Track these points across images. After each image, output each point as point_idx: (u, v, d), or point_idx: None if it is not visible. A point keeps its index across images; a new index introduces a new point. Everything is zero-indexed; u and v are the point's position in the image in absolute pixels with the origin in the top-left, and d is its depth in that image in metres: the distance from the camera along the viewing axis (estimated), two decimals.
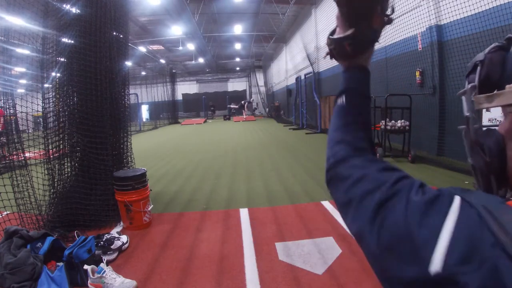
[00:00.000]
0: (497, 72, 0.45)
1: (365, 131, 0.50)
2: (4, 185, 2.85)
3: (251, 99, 25.41)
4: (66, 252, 2.11)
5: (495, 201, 0.33)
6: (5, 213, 2.87)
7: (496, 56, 0.46)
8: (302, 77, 12.93)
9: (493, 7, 4.22)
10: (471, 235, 0.29)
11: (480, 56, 0.47)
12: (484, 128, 0.50)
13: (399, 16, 6.61)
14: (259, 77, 27.95)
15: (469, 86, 0.48)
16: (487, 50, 0.47)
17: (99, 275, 2.03)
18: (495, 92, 0.44)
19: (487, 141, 0.48)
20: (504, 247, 0.27)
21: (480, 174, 0.49)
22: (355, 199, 0.40)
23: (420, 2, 5.94)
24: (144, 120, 22.00)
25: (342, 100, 0.54)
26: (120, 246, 2.55)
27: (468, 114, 0.48)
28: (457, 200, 0.32)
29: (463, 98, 0.49)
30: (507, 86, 0.42)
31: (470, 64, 0.48)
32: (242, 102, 22.77)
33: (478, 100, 0.46)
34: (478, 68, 0.47)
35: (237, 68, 29.62)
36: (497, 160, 0.46)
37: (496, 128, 0.47)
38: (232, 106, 23.83)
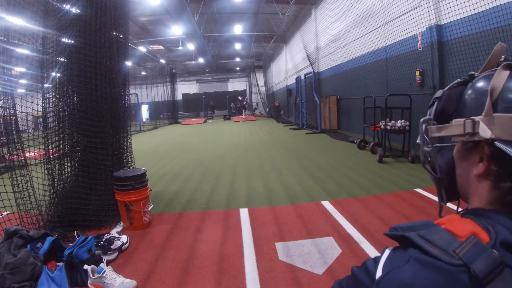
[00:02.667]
0: (452, 106, 0.53)
1: None
2: (4, 185, 2.85)
3: (246, 97, 25.32)
4: (66, 252, 2.11)
5: (427, 226, 0.44)
6: (5, 213, 2.87)
7: (455, 91, 0.53)
8: (302, 77, 12.93)
9: (493, 7, 4.22)
10: (396, 258, 0.43)
11: (439, 93, 0.55)
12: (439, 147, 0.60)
13: (399, 16, 6.61)
14: (259, 77, 27.96)
15: (422, 119, 0.58)
16: (448, 86, 0.55)
17: (99, 275, 2.04)
18: (443, 125, 0.54)
19: (439, 160, 0.58)
20: (433, 255, 0.39)
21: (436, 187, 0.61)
22: None
23: (420, 2, 5.94)
24: (144, 120, 22.00)
25: None
26: (120, 246, 2.56)
27: (418, 141, 0.60)
28: (386, 251, 0.46)
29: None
30: (454, 120, 0.52)
31: (432, 99, 0.57)
32: (239, 98, 22.74)
33: (431, 129, 0.56)
34: (435, 103, 0.56)
35: (237, 68, 29.62)
36: (446, 177, 0.57)
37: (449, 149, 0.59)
38: (232, 106, 23.84)
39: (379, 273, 0.43)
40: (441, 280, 0.37)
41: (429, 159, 0.59)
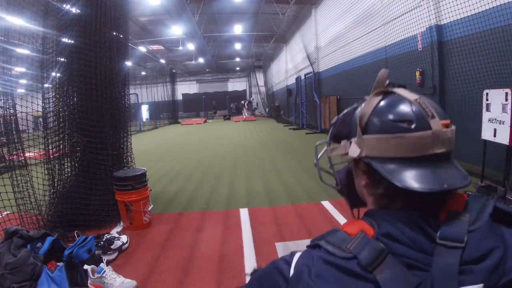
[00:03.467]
0: (345, 130, 0.60)
1: None
2: (4, 185, 2.85)
3: (251, 98, 25.35)
4: (66, 252, 2.11)
5: (332, 232, 0.53)
6: (5, 213, 2.87)
7: (348, 117, 0.61)
8: (302, 77, 12.93)
9: (493, 7, 4.22)
10: (306, 257, 0.51)
11: (334, 119, 0.64)
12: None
13: (399, 16, 6.61)
14: (259, 77, 27.94)
15: (317, 143, 0.70)
16: (344, 112, 0.63)
17: (99, 275, 2.03)
18: (334, 146, 0.63)
19: (339, 174, 0.70)
20: (329, 252, 0.48)
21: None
22: None
23: (420, 2, 5.94)
24: (144, 120, 21.99)
25: None
26: (120, 246, 2.55)
27: (314, 161, 0.72)
28: (297, 253, 0.54)
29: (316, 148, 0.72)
30: (342, 141, 0.60)
31: (330, 124, 0.66)
32: (242, 101, 22.75)
33: (328, 150, 0.65)
34: (331, 128, 0.64)
35: (237, 68, 29.61)
36: (345, 188, 0.68)
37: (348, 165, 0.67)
38: (233, 105, 23.82)
39: (291, 271, 0.51)
40: (338, 273, 0.46)
41: (331, 173, 0.71)
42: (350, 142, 0.56)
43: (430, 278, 0.43)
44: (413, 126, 0.49)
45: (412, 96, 0.53)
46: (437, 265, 0.44)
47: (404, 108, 0.51)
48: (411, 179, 0.48)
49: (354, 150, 0.55)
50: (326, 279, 0.46)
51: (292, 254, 0.54)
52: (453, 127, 0.52)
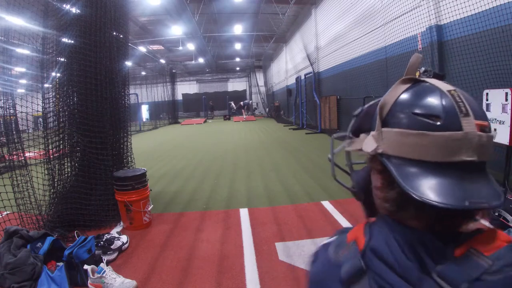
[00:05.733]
0: (369, 122, 0.52)
1: None
2: (4, 185, 2.85)
3: (250, 100, 25.32)
4: (66, 252, 2.11)
5: (341, 233, 0.52)
6: (5, 213, 2.87)
7: (373, 107, 0.52)
8: (302, 77, 12.93)
9: (493, 7, 4.22)
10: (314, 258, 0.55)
11: (358, 110, 0.56)
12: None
13: (399, 16, 6.61)
14: (259, 77, 27.93)
15: (334, 135, 0.62)
16: (368, 104, 0.55)
17: (99, 275, 2.03)
18: (352, 139, 0.54)
19: (355, 176, 0.59)
20: (328, 253, 0.50)
21: None
22: None
23: (420, 2, 5.94)
24: (144, 120, 21.98)
25: None
26: (120, 246, 2.55)
27: (329, 156, 0.63)
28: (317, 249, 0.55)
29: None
30: (361, 134, 0.52)
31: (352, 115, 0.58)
32: (241, 103, 22.75)
33: (346, 144, 0.56)
34: (353, 120, 0.56)
35: (237, 68, 29.60)
36: (362, 192, 0.57)
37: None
38: (232, 105, 23.79)
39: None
40: (331, 274, 0.47)
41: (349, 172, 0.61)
42: (367, 135, 0.49)
43: None
44: (439, 123, 0.41)
45: (445, 86, 0.45)
46: None
47: (432, 100, 0.43)
48: (428, 188, 0.40)
49: (369, 144, 0.47)
50: (314, 279, 0.50)
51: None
52: (493, 133, 0.44)
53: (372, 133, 0.48)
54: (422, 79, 0.47)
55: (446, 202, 0.39)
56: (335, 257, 0.47)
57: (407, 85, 0.47)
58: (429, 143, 0.41)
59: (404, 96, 0.45)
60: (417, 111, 0.43)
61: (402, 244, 0.43)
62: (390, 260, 0.42)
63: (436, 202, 0.39)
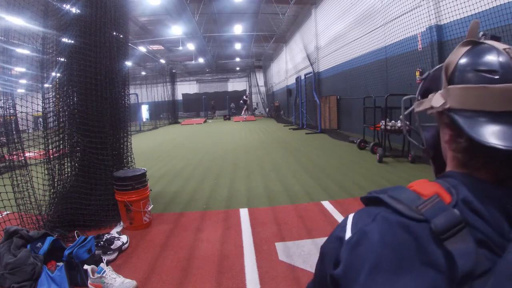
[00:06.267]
0: (435, 84, 0.56)
1: None
2: (4, 185, 2.85)
3: (247, 93, 25.12)
4: (66, 252, 2.11)
5: (398, 189, 0.48)
6: (5, 213, 2.87)
7: (438, 71, 0.56)
8: (302, 77, 12.93)
9: (493, 7, 4.22)
10: (363, 215, 0.47)
11: (425, 74, 0.60)
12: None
13: (399, 16, 6.61)
14: (259, 77, 27.94)
15: (404, 97, 0.67)
16: (433, 68, 0.59)
17: (99, 275, 2.03)
18: (420, 100, 0.59)
19: (425, 134, 0.65)
20: (397, 209, 0.43)
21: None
22: None
23: (420, 2, 5.94)
24: (144, 120, 21.99)
25: None
26: (120, 246, 2.55)
27: (401, 116, 0.69)
28: (351, 214, 0.49)
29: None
30: (429, 95, 0.55)
31: (421, 79, 0.62)
32: (241, 101, 22.76)
33: (415, 105, 0.61)
34: (421, 83, 0.60)
35: (237, 68, 29.61)
36: (431, 149, 0.62)
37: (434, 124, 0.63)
38: (232, 106, 23.81)
39: (348, 234, 0.45)
40: (404, 235, 0.40)
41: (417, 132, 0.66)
42: (435, 94, 0.53)
43: (497, 268, 0.37)
44: (497, 77, 0.46)
45: (501, 45, 0.49)
46: (508, 257, 0.38)
47: (490, 57, 0.48)
48: (491, 134, 0.44)
49: (438, 100, 0.51)
50: (390, 243, 0.40)
51: (346, 217, 0.49)
52: None
53: (440, 91, 0.52)
54: (480, 41, 0.51)
55: (509, 145, 0.42)
56: (413, 214, 0.42)
57: (468, 47, 0.51)
58: (489, 95, 0.46)
59: (466, 56, 0.50)
60: (478, 68, 0.47)
61: (487, 198, 0.44)
62: (483, 212, 0.42)
63: (500, 145, 0.43)
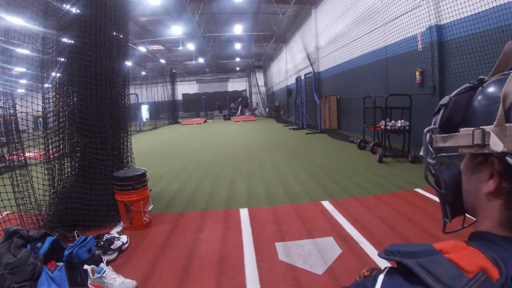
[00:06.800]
0: (460, 114, 0.48)
1: None
2: (4, 185, 2.85)
3: (243, 93, 25.10)
4: (66, 252, 2.11)
5: (429, 254, 0.39)
6: (5, 213, 2.87)
7: (463, 97, 0.48)
8: (302, 77, 12.93)
9: (493, 7, 4.22)
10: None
11: (445, 99, 0.51)
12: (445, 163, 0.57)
13: (399, 16, 6.61)
14: (259, 77, 27.94)
15: (426, 129, 0.53)
16: (455, 92, 0.50)
17: (99, 275, 2.04)
18: (449, 134, 0.49)
19: (444, 175, 0.54)
20: None
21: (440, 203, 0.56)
22: None
23: (420, 2, 5.94)
24: (144, 120, 21.98)
25: None
26: (120, 246, 2.55)
27: (421, 153, 0.55)
28: (382, 273, 0.42)
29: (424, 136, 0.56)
30: (461, 129, 0.47)
31: (438, 106, 0.52)
32: (239, 100, 22.77)
33: (436, 139, 0.52)
34: (441, 111, 0.51)
35: (237, 68, 29.61)
36: (451, 192, 0.52)
37: (456, 163, 0.54)
38: (232, 106, 23.82)
39: None
40: None
41: (433, 172, 0.55)
42: (482, 131, 0.42)
43: None
44: None
45: None
46: None
47: None
48: None
49: (496, 143, 0.41)
50: None
51: (375, 279, 0.42)
52: None
53: (490, 127, 0.42)
54: None
55: None
56: None
57: None
58: None
59: None
60: None
61: None
62: None
63: None
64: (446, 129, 0.50)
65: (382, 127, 5.56)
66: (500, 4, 4.14)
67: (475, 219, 0.49)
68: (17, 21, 3.43)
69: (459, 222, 0.61)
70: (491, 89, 0.45)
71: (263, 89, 27.96)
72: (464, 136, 0.45)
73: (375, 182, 4.28)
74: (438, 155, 0.53)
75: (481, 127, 0.43)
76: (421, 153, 0.56)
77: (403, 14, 6.48)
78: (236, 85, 30.35)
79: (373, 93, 6.73)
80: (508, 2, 4.04)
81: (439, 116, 0.51)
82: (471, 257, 0.38)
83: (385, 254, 0.42)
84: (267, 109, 25.88)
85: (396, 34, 6.76)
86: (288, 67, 20.15)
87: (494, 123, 0.41)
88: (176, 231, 2.94)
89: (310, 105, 13.25)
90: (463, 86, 0.50)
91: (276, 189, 4.18)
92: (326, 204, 3.45)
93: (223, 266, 2.28)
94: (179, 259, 2.40)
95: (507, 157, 0.40)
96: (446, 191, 0.53)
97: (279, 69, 23.49)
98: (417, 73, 6.10)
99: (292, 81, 17.39)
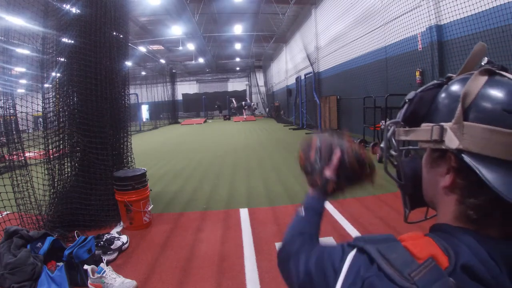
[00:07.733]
0: (423, 109, 0.49)
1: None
2: (4, 185, 2.85)
3: (252, 103, 25.18)
4: (66, 252, 2.11)
5: (388, 241, 0.43)
6: (5, 213, 2.87)
7: (428, 94, 0.49)
8: (302, 77, 12.93)
9: (493, 7, 4.22)
10: (357, 270, 0.41)
11: (411, 94, 0.51)
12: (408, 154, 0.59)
13: (399, 16, 6.61)
14: (259, 77, 27.94)
15: (389, 121, 0.54)
16: (422, 88, 0.51)
17: (99, 275, 2.03)
18: (411, 128, 0.50)
19: (405, 167, 0.56)
20: (388, 275, 0.38)
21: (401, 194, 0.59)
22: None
23: (420, 2, 5.94)
24: (144, 120, 21.98)
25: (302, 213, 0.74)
26: (120, 246, 2.55)
27: (382, 145, 0.55)
28: (352, 252, 0.44)
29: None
30: (423, 124, 0.48)
31: (403, 100, 0.53)
32: (243, 103, 22.72)
33: (398, 132, 0.52)
34: (406, 106, 0.52)
35: (237, 68, 29.62)
36: (411, 184, 0.55)
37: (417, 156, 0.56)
38: (233, 102, 23.73)
39: (342, 276, 0.43)
40: None
41: (394, 163, 0.56)
42: (441, 127, 0.43)
43: None
44: None
45: None
46: None
47: None
48: None
49: (451, 140, 0.42)
50: None
51: (343, 255, 0.45)
52: None
53: (449, 125, 0.43)
54: (498, 72, 0.44)
55: None
56: (404, 284, 0.36)
57: (486, 77, 0.43)
58: None
59: (489, 89, 0.41)
60: (508, 108, 0.39)
61: (497, 261, 0.38)
62: (488, 280, 0.36)
63: None
64: (409, 123, 0.51)
65: (382, 127, 5.56)
66: (500, 4, 4.14)
67: (436, 211, 0.52)
68: (17, 21, 3.43)
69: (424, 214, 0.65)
70: (454, 88, 0.46)
71: (263, 89, 27.96)
72: (424, 131, 0.47)
73: (375, 182, 4.27)
74: (401, 148, 0.54)
75: (440, 123, 0.44)
76: (381, 145, 0.56)
77: (403, 14, 6.48)
78: (236, 85, 30.35)
79: (373, 93, 6.73)
80: (508, 2, 4.04)
81: (403, 110, 0.53)
82: (423, 245, 0.41)
83: (353, 241, 0.46)
84: (267, 109, 25.88)
85: (396, 34, 6.76)
86: (288, 67, 20.15)
87: (453, 120, 0.42)
88: (176, 231, 2.94)
89: (310, 105, 13.24)
90: (430, 83, 0.51)
91: (276, 189, 4.18)
92: (326, 204, 3.45)
93: (223, 266, 2.28)
94: (179, 259, 2.40)
95: (463, 155, 0.41)
96: (406, 183, 0.55)
97: (279, 69, 23.49)
98: (417, 73, 6.11)
99: (292, 81, 17.38)
